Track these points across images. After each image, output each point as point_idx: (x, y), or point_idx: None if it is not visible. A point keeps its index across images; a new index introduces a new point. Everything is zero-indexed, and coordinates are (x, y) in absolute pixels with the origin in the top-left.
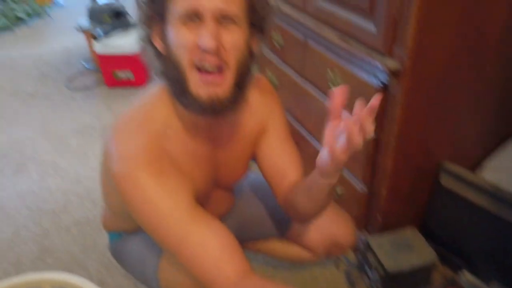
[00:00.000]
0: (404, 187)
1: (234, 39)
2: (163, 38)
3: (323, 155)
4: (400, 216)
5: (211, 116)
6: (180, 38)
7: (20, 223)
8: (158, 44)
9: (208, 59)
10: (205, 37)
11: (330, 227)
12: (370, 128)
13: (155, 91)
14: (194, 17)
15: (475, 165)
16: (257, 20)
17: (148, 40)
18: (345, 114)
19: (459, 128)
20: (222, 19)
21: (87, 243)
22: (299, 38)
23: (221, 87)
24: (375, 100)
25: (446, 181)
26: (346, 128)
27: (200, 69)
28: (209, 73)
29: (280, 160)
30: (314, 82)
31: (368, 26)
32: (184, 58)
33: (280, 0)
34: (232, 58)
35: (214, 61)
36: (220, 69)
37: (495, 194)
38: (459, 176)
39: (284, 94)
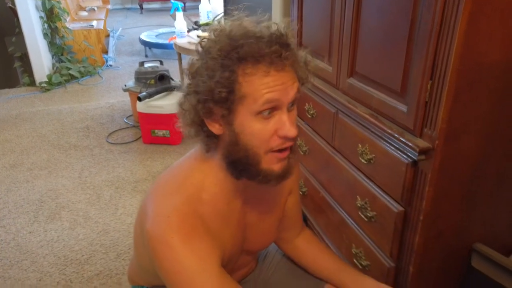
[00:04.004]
0: (433, 266)
1: (295, 116)
2: (226, 125)
3: None
4: None
5: (279, 183)
6: (258, 131)
7: (46, 270)
8: (214, 128)
9: (287, 143)
10: (288, 128)
11: None
12: None
13: (193, 156)
14: (270, 110)
15: (510, 249)
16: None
17: (200, 124)
18: None
19: (494, 210)
20: (290, 104)
21: None
22: (330, 110)
23: (288, 158)
24: None
25: (478, 263)
26: None
27: (274, 151)
28: (283, 151)
29: (292, 212)
30: (343, 153)
31: (399, 106)
32: (260, 146)
33: (314, 76)
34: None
35: (292, 143)
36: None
37: None
38: (491, 259)
39: (313, 160)
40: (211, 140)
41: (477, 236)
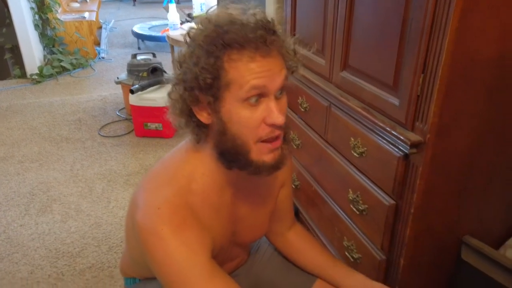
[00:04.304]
0: (424, 259)
1: (285, 104)
2: (214, 114)
3: None
4: None
5: (271, 174)
6: (245, 118)
7: (37, 263)
8: (202, 117)
9: (276, 132)
10: (276, 115)
11: None
12: None
13: (184, 148)
14: (257, 97)
15: (500, 242)
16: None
17: (189, 113)
18: None
19: (484, 204)
20: (278, 91)
21: None
22: (323, 104)
23: (280, 148)
24: None
25: (467, 256)
26: None
27: (264, 140)
28: (272, 142)
29: (284, 205)
30: (335, 146)
31: (391, 100)
32: (248, 135)
33: (307, 69)
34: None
35: (280, 131)
36: (279, 134)
37: None
38: (480, 252)
39: (305, 153)
40: (200, 130)
41: (468, 229)
